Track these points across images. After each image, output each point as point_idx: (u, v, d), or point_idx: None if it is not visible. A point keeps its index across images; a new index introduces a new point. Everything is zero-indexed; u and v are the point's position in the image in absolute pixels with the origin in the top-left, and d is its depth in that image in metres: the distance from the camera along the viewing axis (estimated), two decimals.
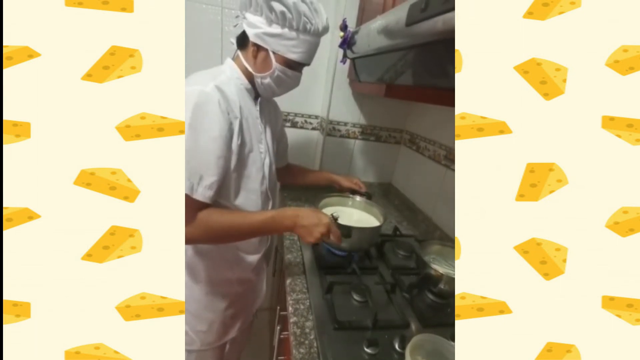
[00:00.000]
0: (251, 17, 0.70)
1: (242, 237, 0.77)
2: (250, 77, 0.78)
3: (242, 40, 0.76)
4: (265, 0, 0.66)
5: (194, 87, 0.64)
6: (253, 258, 0.87)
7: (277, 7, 0.65)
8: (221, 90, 0.68)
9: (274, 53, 0.72)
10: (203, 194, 0.66)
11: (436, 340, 0.61)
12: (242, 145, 0.73)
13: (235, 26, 0.76)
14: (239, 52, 0.77)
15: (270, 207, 0.88)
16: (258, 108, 0.83)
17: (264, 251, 0.92)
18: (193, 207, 0.66)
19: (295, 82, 0.81)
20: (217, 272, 0.82)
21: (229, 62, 0.79)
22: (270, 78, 0.75)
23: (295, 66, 0.76)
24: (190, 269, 0.80)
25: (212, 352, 0.90)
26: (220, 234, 0.71)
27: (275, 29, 0.68)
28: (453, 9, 0.42)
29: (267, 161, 0.83)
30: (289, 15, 0.66)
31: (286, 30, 0.69)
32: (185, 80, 0.67)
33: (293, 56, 0.72)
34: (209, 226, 0.68)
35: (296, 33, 0.69)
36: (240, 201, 0.77)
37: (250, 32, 0.71)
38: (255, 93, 0.82)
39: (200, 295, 0.82)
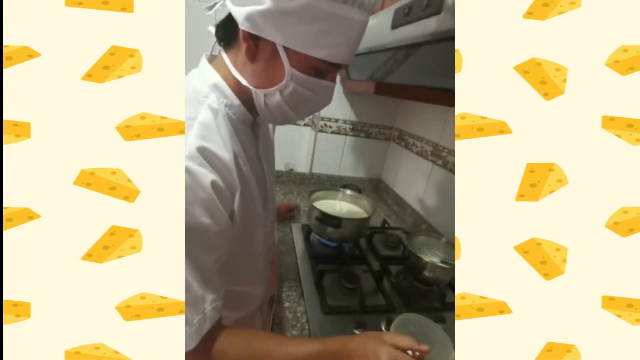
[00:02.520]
0: None
1: None
2: (243, 94, 0.49)
3: (227, 33, 0.47)
4: None
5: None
6: (260, 290, 0.70)
7: None
8: (211, 155, 0.43)
9: (285, 49, 0.42)
10: (212, 317, 0.46)
11: (420, 321, 0.62)
12: (245, 216, 0.51)
13: (210, 7, 0.47)
14: (223, 53, 0.49)
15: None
16: (260, 142, 0.58)
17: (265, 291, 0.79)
18: (204, 344, 0.46)
19: (325, 98, 0.49)
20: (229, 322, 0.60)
21: (208, 71, 0.49)
22: (281, 95, 0.45)
23: (326, 70, 0.46)
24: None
25: None
26: None
27: (291, 1, 0.38)
28: (434, 14, 0.45)
29: (269, 209, 0.62)
30: None
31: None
32: None
33: (323, 53, 0.42)
34: None
35: (331, 5, 0.39)
36: (245, 269, 0.60)
37: (239, 14, 0.41)
38: (251, 113, 0.53)
39: None
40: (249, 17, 0.40)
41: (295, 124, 1.57)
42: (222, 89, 0.47)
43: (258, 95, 0.47)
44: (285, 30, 0.40)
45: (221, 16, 0.50)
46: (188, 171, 0.42)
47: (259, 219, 0.57)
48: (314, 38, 0.40)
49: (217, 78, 0.48)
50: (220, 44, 0.49)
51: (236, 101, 0.49)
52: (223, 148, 0.45)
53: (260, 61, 0.44)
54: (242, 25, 0.41)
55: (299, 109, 0.49)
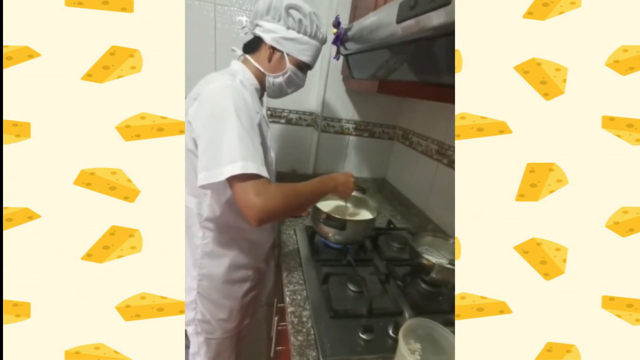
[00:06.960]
0: (268, 25, 0.79)
1: (304, 202, 0.76)
2: (260, 78, 0.83)
3: (253, 45, 0.83)
4: (285, 8, 0.75)
5: (223, 82, 0.69)
6: (264, 247, 0.93)
7: (296, 14, 0.76)
8: (245, 86, 0.74)
9: (288, 55, 0.80)
10: (265, 174, 0.65)
11: (429, 325, 0.62)
12: (262, 141, 0.73)
13: (245, 34, 0.85)
14: (248, 56, 0.83)
15: None
16: (264, 107, 0.88)
17: (272, 242, 0.97)
18: (264, 181, 0.65)
19: (302, 83, 0.89)
20: (235, 261, 0.87)
21: (237, 64, 0.83)
22: (282, 77, 0.83)
23: (303, 68, 0.84)
24: (212, 261, 0.85)
25: (230, 340, 0.95)
26: (292, 200, 0.70)
27: (292, 33, 0.78)
28: (441, 6, 0.44)
29: (273, 155, 0.88)
30: (305, 22, 0.77)
31: (301, 35, 0.79)
32: (205, 79, 0.74)
33: (304, 58, 0.81)
34: (283, 193, 0.67)
35: (308, 38, 0.80)
36: None
37: (268, 37, 0.79)
38: (261, 94, 0.86)
39: (220, 284, 0.86)
40: (273, 39, 0.78)
41: (297, 124, 1.58)
42: (245, 72, 0.82)
43: (269, 77, 0.83)
44: (288, 45, 0.79)
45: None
46: (236, 85, 0.70)
47: (268, 157, 0.79)
48: (300, 50, 0.80)
49: (243, 67, 0.83)
50: (247, 52, 0.84)
51: (254, 80, 0.83)
52: (250, 90, 0.76)
53: (274, 60, 0.81)
54: (269, 42, 0.79)
55: (290, 87, 0.87)
